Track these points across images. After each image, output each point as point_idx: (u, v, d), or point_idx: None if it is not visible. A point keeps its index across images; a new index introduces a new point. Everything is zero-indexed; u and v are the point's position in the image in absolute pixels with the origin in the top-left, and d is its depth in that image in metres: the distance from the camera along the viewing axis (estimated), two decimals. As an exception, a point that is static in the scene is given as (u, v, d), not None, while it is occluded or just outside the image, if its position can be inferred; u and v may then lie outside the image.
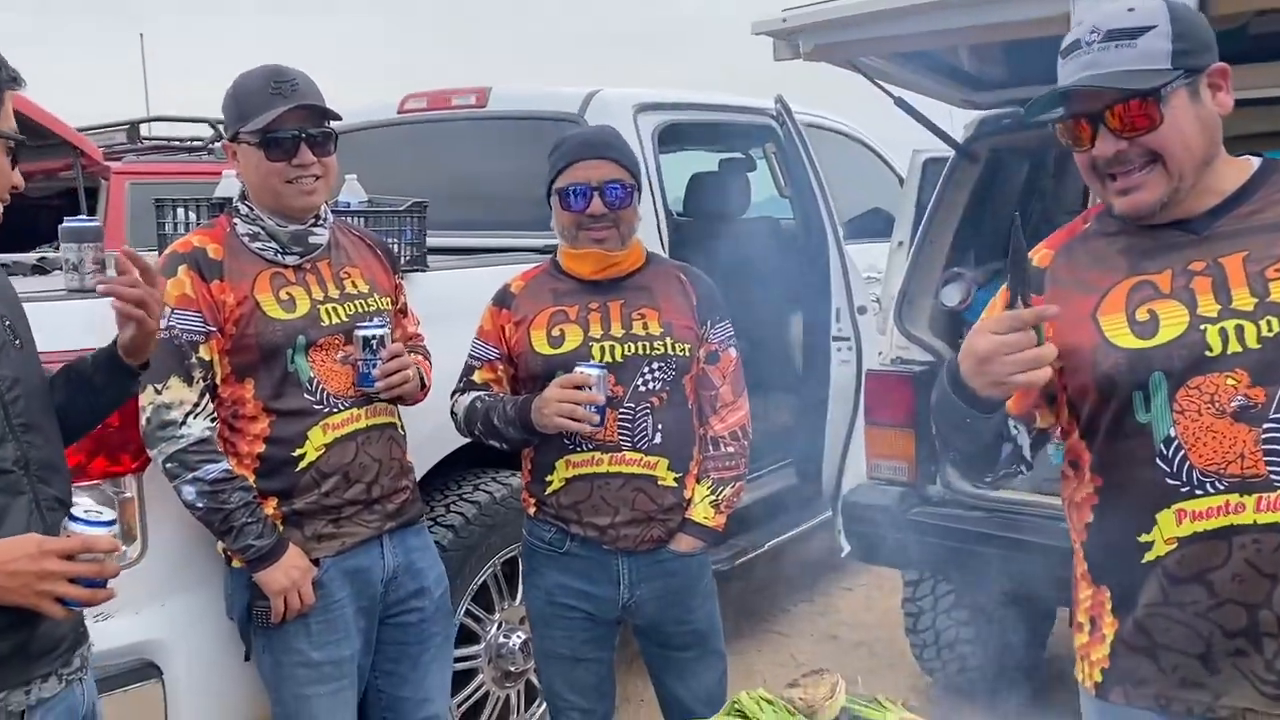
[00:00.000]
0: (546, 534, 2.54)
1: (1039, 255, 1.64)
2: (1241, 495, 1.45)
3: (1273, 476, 1.44)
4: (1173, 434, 1.48)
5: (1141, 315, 1.50)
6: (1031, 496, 3.16)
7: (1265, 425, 1.44)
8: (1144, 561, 1.55)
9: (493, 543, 3.15)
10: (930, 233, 3.46)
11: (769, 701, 1.63)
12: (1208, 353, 1.46)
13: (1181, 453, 1.48)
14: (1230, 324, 1.45)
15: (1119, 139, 1.48)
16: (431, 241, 3.29)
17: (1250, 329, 1.44)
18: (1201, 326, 1.47)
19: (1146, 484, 1.52)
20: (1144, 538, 1.54)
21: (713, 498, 2.55)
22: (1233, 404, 1.45)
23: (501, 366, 2.56)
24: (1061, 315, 1.49)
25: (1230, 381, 1.45)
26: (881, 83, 3.19)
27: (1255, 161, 1.55)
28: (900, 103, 3.27)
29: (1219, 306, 1.47)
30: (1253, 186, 1.53)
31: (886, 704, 1.67)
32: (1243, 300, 1.46)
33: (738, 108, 4.62)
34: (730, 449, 2.60)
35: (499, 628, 3.28)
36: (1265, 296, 1.45)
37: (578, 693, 2.59)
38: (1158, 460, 1.50)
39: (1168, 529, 1.52)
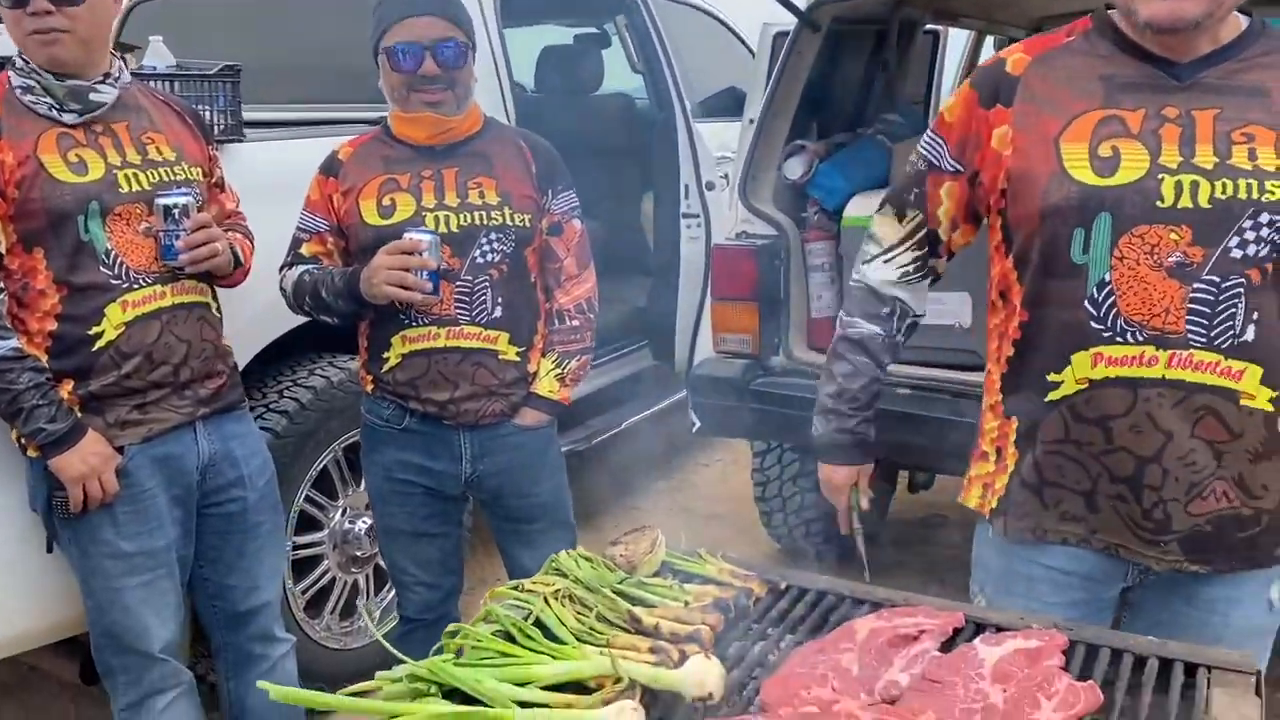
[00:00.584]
0: (385, 411, 2.47)
1: (1012, 59, 1.59)
2: (1157, 349, 1.49)
3: (1190, 336, 1.48)
4: (1108, 279, 1.49)
5: (1104, 151, 1.48)
6: (869, 364, 3.22)
7: (1195, 285, 1.46)
8: (1051, 399, 1.60)
9: (332, 428, 3.07)
10: (774, 105, 3.43)
11: (588, 559, 1.62)
12: (1159, 203, 1.45)
13: (1112, 299, 1.50)
14: (1187, 178, 1.44)
15: None
16: (256, 116, 3.10)
17: (1205, 187, 1.43)
18: (1160, 175, 1.45)
19: (1072, 325, 1.54)
20: (1054, 376, 1.58)
21: (557, 371, 2.52)
22: (1170, 259, 1.46)
23: (331, 239, 2.44)
24: (1025, 131, 1.52)
25: (1173, 236, 1.45)
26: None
27: (1244, 19, 1.52)
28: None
29: (1180, 159, 1.45)
30: (1242, 43, 1.50)
31: (706, 557, 1.69)
32: (1204, 157, 1.44)
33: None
34: (575, 323, 2.56)
35: (343, 514, 3.23)
36: (1226, 159, 1.44)
37: (422, 567, 2.57)
38: (1087, 303, 1.52)
39: (1081, 370, 1.55)
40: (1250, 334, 1.47)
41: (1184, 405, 1.51)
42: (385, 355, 2.42)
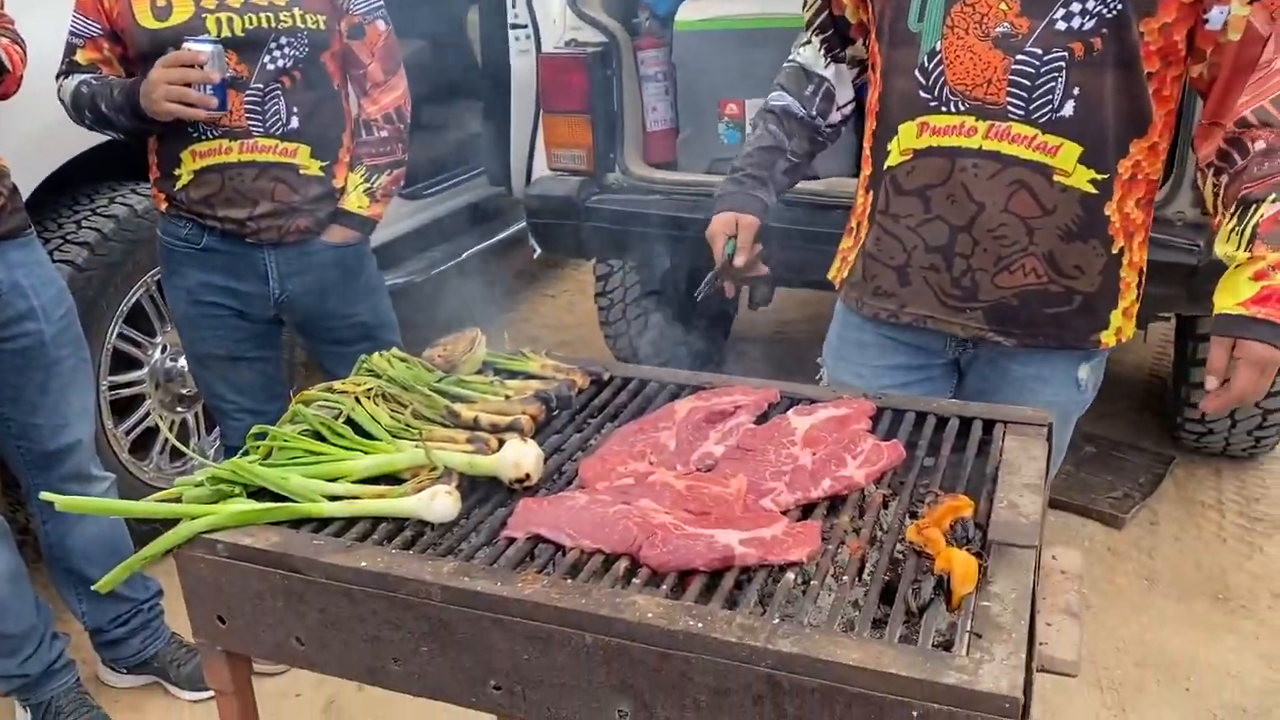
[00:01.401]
0: (182, 231, 2.32)
1: None
2: (977, 119, 1.51)
3: (1009, 107, 1.50)
4: (938, 48, 1.51)
5: None
6: (706, 177, 3.20)
7: (1018, 56, 1.47)
8: (884, 168, 1.63)
9: (140, 260, 2.88)
10: (600, -99, 3.25)
11: (403, 359, 1.57)
12: None
13: (940, 68, 1.51)
14: None
15: None
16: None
17: None
18: None
19: (905, 93, 1.56)
20: (889, 145, 1.61)
21: (366, 186, 2.39)
22: (997, 29, 1.47)
23: (106, 45, 2.22)
24: None
25: (1002, 6, 1.46)
26: None
27: None
28: None
29: None
30: None
31: (529, 355, 1.66)
32: None
33: None
34: (384, 133, 2.42)
35: (163, 351, 3.07)
36: None
37: (242, 394, 2.48)
38: (918, 72, 1.53)
39: (907, 139, 1.58)
40: (1069, 110, 1.48)
41: (999, 178, 1.53)
42: (176, 172, 2.25)
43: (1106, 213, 1.55)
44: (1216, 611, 2.84)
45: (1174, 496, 3.38)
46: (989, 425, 1.44)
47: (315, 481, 1.30)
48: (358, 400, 1.45)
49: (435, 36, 4.70)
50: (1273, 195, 1.40)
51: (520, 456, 1.31)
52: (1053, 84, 1.47)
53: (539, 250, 4.15)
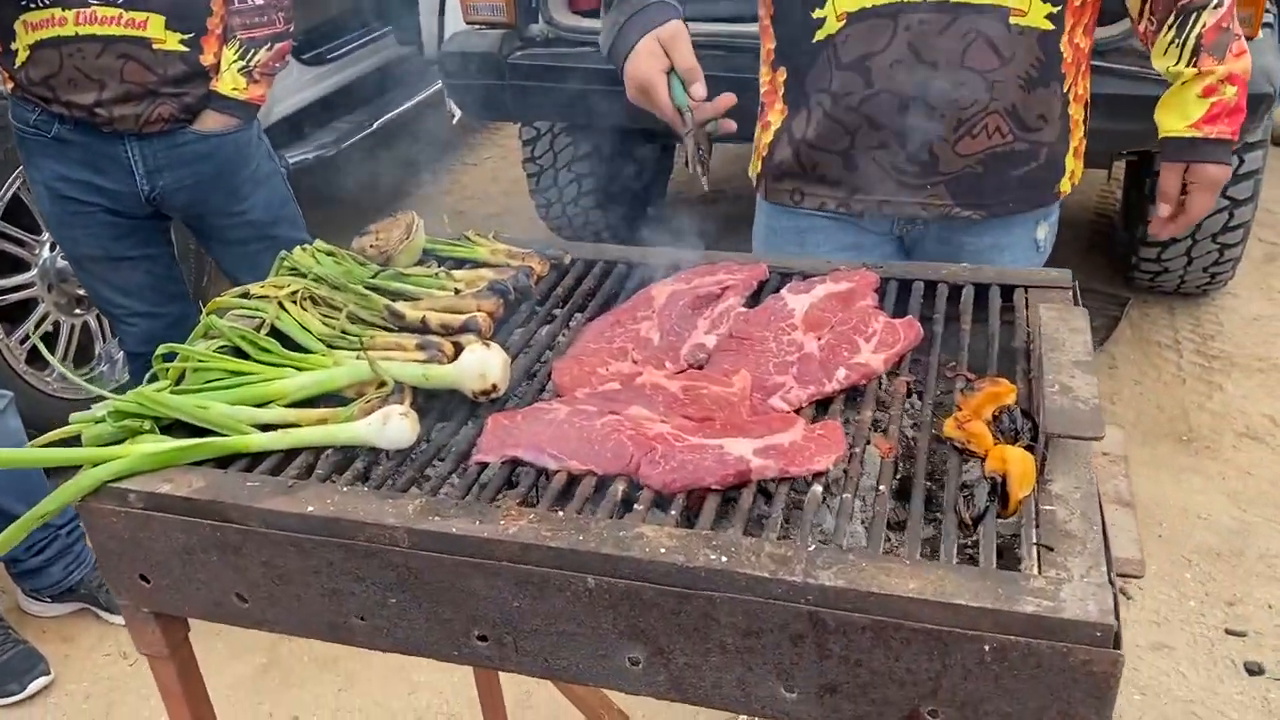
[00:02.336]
0: (30, 116, 2.02)
1: None
2: None
3: None
4: None
5: None
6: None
7: None
8: (815, 41, 1.42)
9: (12, 151, 2.54)
10: None
11: (330, 253, 1.35)
12: None
13: None
14: None
15: None
16: None
17: None
18: None
19: None
20: (818, 12, 1.41)
21: (242, 63, 2.09)
22: None
23: None
24: None
25: None
26: None
27: None
28: None
29: None
30: None
31: (475, 239, 1.45)
32: None
33: None
34: (260, 0, 2.12)
35: (53, 249, 2.76)
36: None
37: (132, 296, 2.22)
38: None
39: (841, 2, 1.39)
40: None
41: (950, 31, 1.35)
42: (13, 46, 1.94)
43: (1061, 49, 1.40)
44: (1181, 454, 2.81)
45: (1130, 339, 3.32)
46: (1008, 291, 1.28)
47: (241, 409, 1.10)
48: (281, 306, 1.23)
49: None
50: (1214, 1, 1.32)
51: (484, 364, 1.12)
52: None
53: (457, 115, 3.86)
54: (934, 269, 1.34)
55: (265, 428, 1.09)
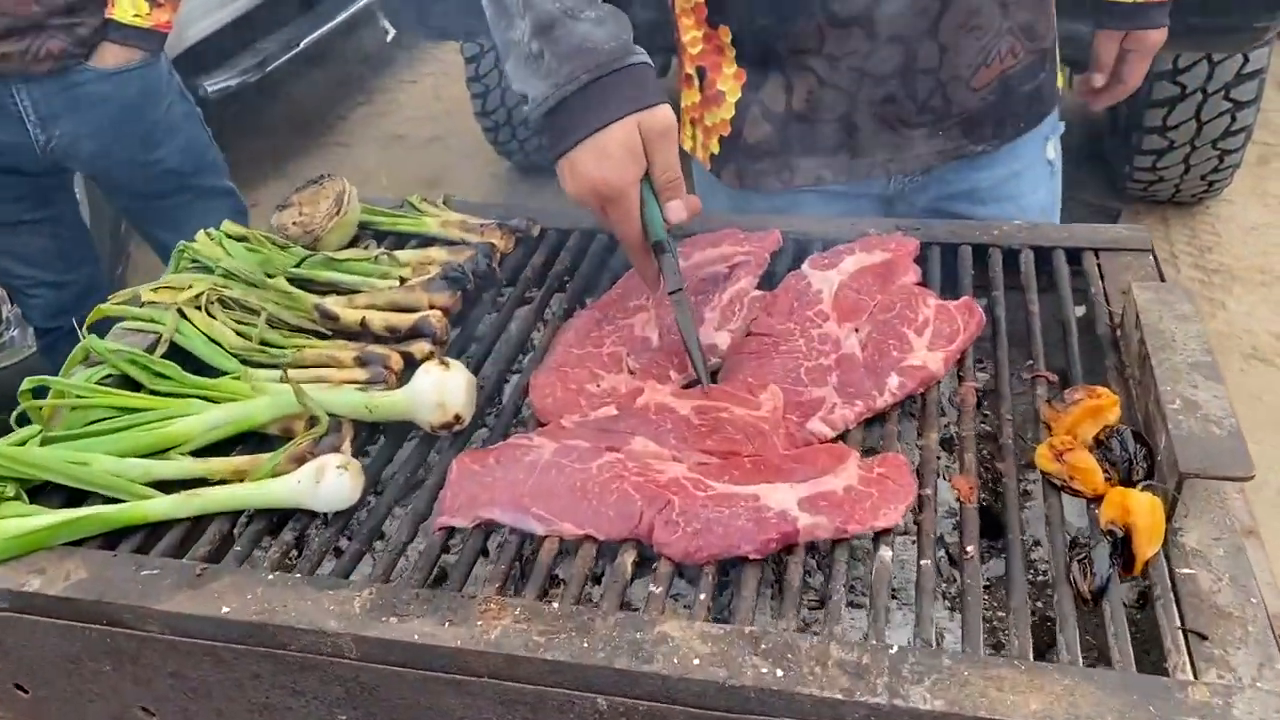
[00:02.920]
0: (-99, 58, 1.70)
1: None
2: None
3: None
4: None
5: None
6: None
7: None
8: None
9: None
10: None
11: (241, 238, 1.09)
12: None
13: None
14: None
15: None
16: None
17: None
18: None
19: None
20: None
21: None
22: None
23: None
24: None
25: None
26: None
27: None
28: None
29: None
30: None
31: (423, 207, 1.19)
32: None
33: None
34: None
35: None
36: None
37: (36, 264, 1.94)
38: None
39: None
40: None
41: None
42: None
43: None
44: (1187, 380, 2.64)
45: (1124, 254, 3.13)
46: (1074, 255, 1.05)
47: (132, 462, 0.85)
48: (182, 314, 0.98)
49: None
50: None
51: (444, 390, 0.88)
52: None
53: (392, 31, 3.51)
54: (982, 229, 1.11)
55: (165, 486, 0.85)
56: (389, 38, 3.53)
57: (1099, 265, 1.04)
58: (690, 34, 1.23)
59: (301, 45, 3.75)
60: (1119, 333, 0.94)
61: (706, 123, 1.26)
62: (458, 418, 0.88)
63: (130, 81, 1.82)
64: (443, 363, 0.89)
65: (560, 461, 0.82)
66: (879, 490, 0.78)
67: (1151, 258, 1.04)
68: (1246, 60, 2.73)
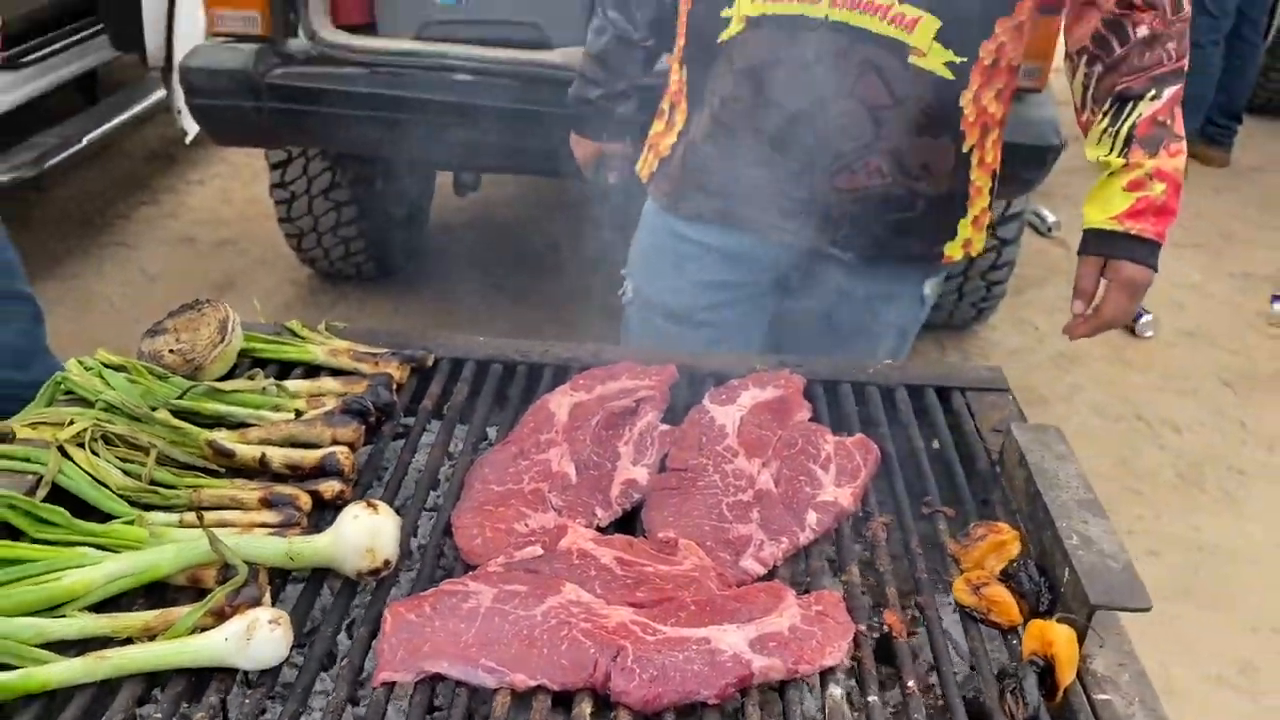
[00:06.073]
0: None
1: None
2: None
3: None
4: None
5: None
6: (417, 44, 2.63)
7: None
8: (719, 41, 1.32)
9: None
10: None
11: (118, 368, 1.01)
12: None
13: None
14: None
15: None
16: None
17: None
18: None
19: None
20: (726, 12, 1.30)
21: None
22: None
23: None
24: None
25: None
26: None
27: None
28: None
29: None
30: None
31: (307, 333, 1.15)
32: None
33: None
34: None
35: None
36: None
37: None
38: None
39: (744, 5, 1.28)
40: None
41: (846, 57, 1.25)
42: None
43: (961, 104, 1.31)
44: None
45: (908, 373, 3.39)
46: (943, 393, 1.15)
47: (23, 622, 0.77)
48: (64, 453, 0.90)
49: None
50: (1152, 91, 1.24)
51: (373, 536, 0.85)
52: None
53: (192, 133, 3.39)
54: (859, 368, 1.19)
55: (60, 647, 0.77)
56: (188, 139, 3.39)
57: (968, 404, 1.13)
58: (674, 76, 1.45)
59: (84, 142, 3.55)
60: (999, 469, 1.03)
61: (659, 146, 1.47)
62: (386, 563, 0.85)
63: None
64: (370, 504, 0.86)
65: (503, 608, 0.81)
66: (821, 629, 0.81)
67: (1011, 397, 1.15)
68: (1009, 204, 3.06)
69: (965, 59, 1.26)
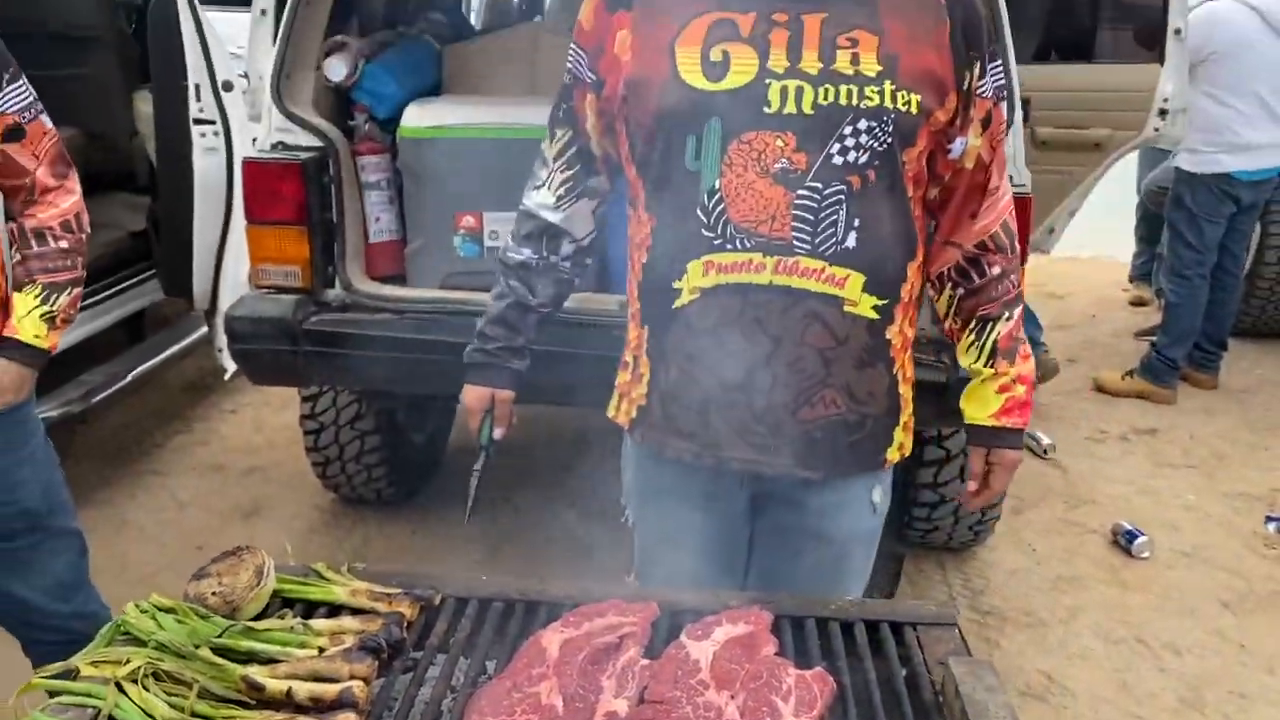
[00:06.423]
0: None
1: None
2: (764, 255, 1.44)
3: (795, 242, 1.44)
4: (717, 185, 1.44)
5: (715, 55, 1.42)
6: (441, 293, 2.91)
7: (799, 191, 1.42)
8: (674, 308, 1.51)
9: None
10: (306, -8, 2.89)
11: (169, 609, 1.17)
12: (765, 108, 1.41)
13: (722, 206, 1.44)
14: (792, 84, 1.41)
15: None
16: None
17: (809, 93, 1.40)
18: (767, 80, 1.41)
19: (687, 232, 1.47)
20: (676, 284, 1.50)
21: (46, 309, 1.91)
22: (776, 165, 1.42)
23: None
24: (643, 36, 1.46)
25: (779, 142, 1.41)
26: None
27: None
28: None
29: (787, 64, 1.41)
30: None
31: (330, 575, 1.30)
32: (810, 63, 1.41)
33: None
34: (64, 243, 1.97)
35: None
36: (830, 64, 1.41)
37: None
38: (699, 211, 1.45)
39: (694, 279, 1.48)
40: (852, 241, 1.45)
41: (791, 312, 1.47)
42: None
43: (888, 336, 1.54)
44: (974, 716, 2.90)
45: (910, 595, 3.46)
46: (897, 628, 1.28)
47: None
48: (120, 689, 1.04)
49: (83, 120, 4.06)
50: (1006, 314, 1.60)
51: (383, 763, 0.97)
52: (835, 217, 1.44)
53: (232, 371, 3.64)
54: (821, 604, 1.33)
55: None
56: (227, 376, 3.65)
57: (918, 638, 1.26)
58: (632, 332, 1.63)
59: (128, 378, 3.81)
60: (941, 699, 1.15)
61: (631, 395, 1.62)
62: (394, 789, 0.97)
63: (7, 418, 1.87)
64: (380, 735, 0.99)
65: (493, 829, 0.93)
66: None
67: (957, 631, 1.28)
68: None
69: (888, 301, 1.51)
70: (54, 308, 1.92)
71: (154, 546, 3.53)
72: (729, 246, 1.45)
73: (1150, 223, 5.94)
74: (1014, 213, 1.60)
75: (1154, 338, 5.01)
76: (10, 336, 1.86)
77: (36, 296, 1.90)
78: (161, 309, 4.31)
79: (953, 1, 1.46)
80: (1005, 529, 3.83)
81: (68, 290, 1.96)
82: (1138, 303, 6.38)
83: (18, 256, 1.94)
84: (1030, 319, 4.60)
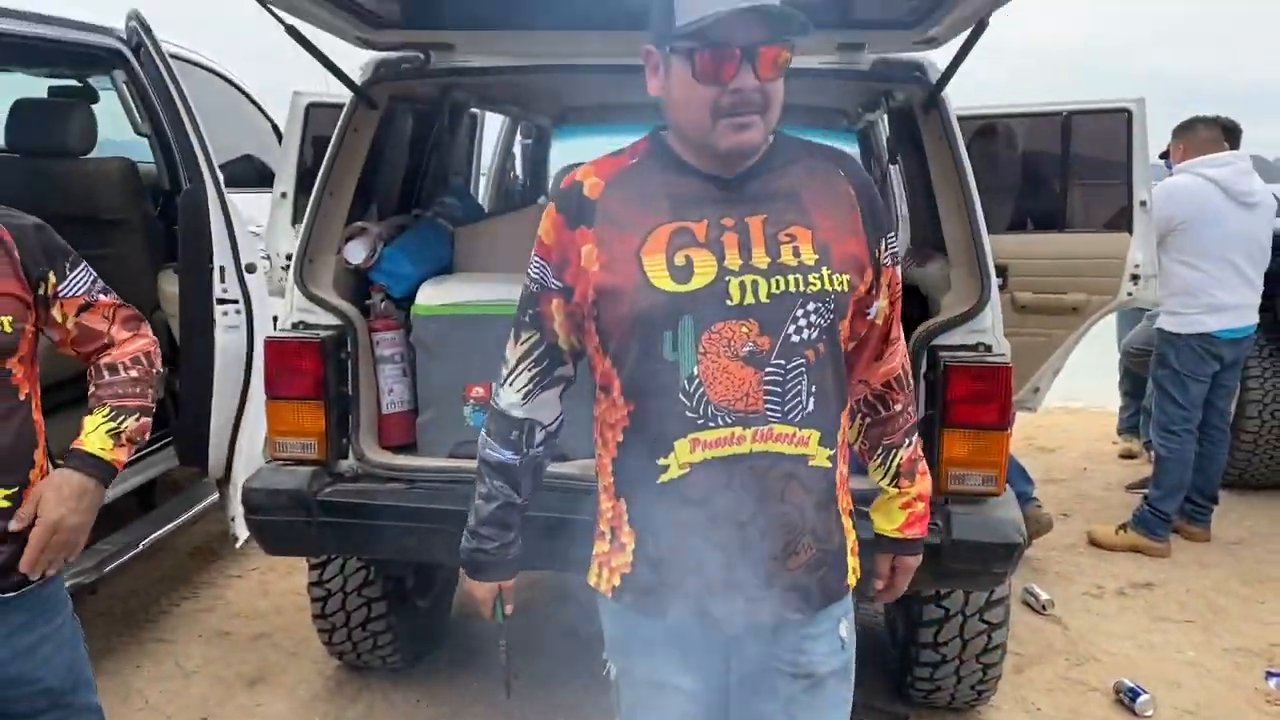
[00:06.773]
0: None
1: (589, 184, 1.70)
2: (744, 428, 1.62)
3: (768, 412, 1.63)
4: (696, 372, 1.61)
5: (679, 260, 1.61)
6: (451, 462, 3.02)
7: (767, 369, 1.62)
8: (660, 482, 1.66)
9: None
10: (330, 184, 3.10)
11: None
12: (729, 301, 1.60)
13: (702, 389, 1.62)
14: (748, 278, 1.61)
15: (758, 78, 1.55)
16: None
17: (763, 285, 1.60)
18: (726, 278, 1.60)
19: (670, 414, 1.64)
20: (662, 461, 1.64)
21: (112, 425, 1.99)
22: (744, 349, 1.60)
23: None
24: (609, 248, 1.63)
25: (744, 329, 1.60)
26: (272, 6, 2.75)
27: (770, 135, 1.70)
28: (293, 32, 2.86)
29: (741, 261, 1.61)
30: (771, 155, 1.69)
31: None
32: (760, 259, 1.62)
33: (68, 22, 3.65)
34: (134, 373, 2.08)
35: None
36: (777, 258, 1.62)
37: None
38: (681, 395, 1.62)
39: (683, 455, 1.64)
40: (812, 405, 1.65)
41: (771, 474, 1.65)
42: None
43: (834, 478, 1.73)
44: None
45: (916, 758, 3.45)
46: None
47: None
48: None
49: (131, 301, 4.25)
50: (907, 441, 1.91)
51: None
52: (799, 387, 1.64)
53: (244, 538, 3.72)
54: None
55: None
56: (238, 544, 3.72)
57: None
58: (605, 505, 1.77)
59: (140, 546, 3.86)
60: None
61: (611, 564, 1.75)
62: None
63: (29, 595, 1.94)
64: None
65: None
66: None
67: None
68: (993, 592, 3.30)
69: (834, 449, 1.71)
70: (121, 425, 1.98)
71: (158, 718, 3.53)
72: (711, 424, 1.62)
73: (1133, 378, 6.13)
74: (908, 357, 1.91)
75: (1145, 491, 5.11)
76: (76, 448, 1.93)
77: (105, 415, 1.98)
78: (172, 474, 4.40)
79: (858, 194, 1.71)
80: (1008, 687, 3.84)
81: (135, 415, 2.02)
82: (1127, 455, 6.51)
83: (91, 388, 2.04)
84: (1021, 474, 4.73)
